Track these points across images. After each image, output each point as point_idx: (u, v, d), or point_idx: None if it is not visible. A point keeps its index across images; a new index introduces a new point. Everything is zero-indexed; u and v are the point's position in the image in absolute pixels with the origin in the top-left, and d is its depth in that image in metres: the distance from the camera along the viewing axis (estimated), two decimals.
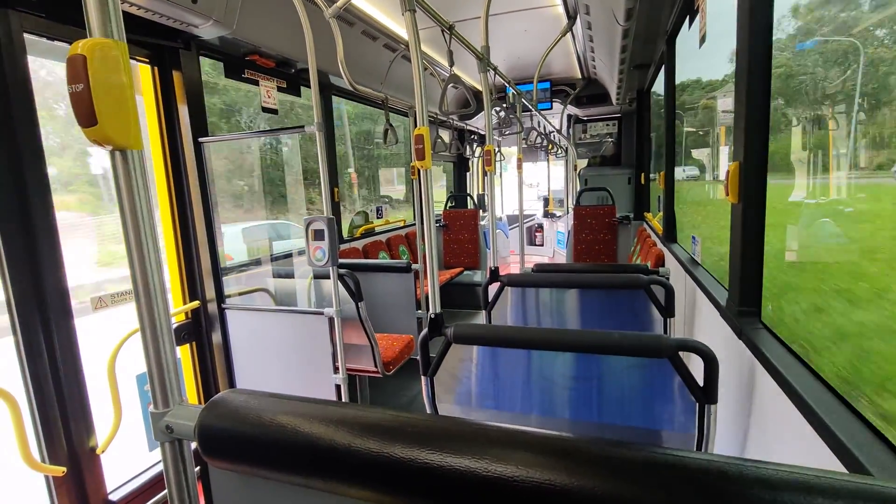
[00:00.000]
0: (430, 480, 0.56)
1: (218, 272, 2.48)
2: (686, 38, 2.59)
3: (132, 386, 2.14)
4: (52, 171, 1.72)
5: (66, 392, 1.77)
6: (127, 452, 2.13)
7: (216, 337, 2.53)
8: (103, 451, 1.89)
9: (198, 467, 1.59)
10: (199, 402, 0.73)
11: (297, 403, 0.68)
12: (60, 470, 1.73)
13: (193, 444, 0.72)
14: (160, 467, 0.77)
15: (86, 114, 0.62)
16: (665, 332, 1.89)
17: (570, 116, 6.44)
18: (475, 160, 7.55)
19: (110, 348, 1.93)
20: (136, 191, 0.67)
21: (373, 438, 0.60)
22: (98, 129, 0.62)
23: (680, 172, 3.65)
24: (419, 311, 3.13)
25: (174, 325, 2.44)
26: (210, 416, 0.70)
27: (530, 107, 4.12)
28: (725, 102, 2.72)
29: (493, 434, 0.59)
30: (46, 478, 1.76)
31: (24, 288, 1.67)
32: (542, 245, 8.65)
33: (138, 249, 0.68)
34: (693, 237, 2.49)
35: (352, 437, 0.61)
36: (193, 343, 2.53)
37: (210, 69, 2.71)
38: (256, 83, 2.85)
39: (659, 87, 3.87)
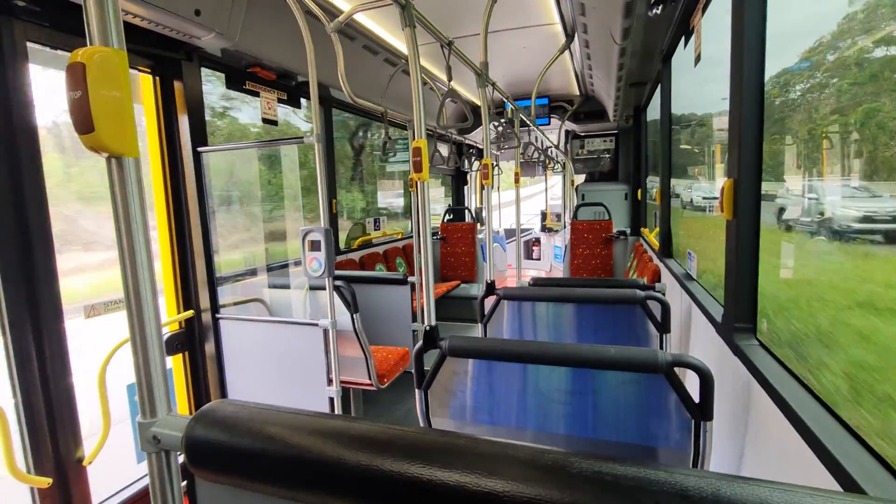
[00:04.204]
0: (420, 494, 0.55)
1: (213, 282, 2.47)
2: (682, 57, 2.63)
3: (123, 395, 2.11)
4: None
5: (55, 401, 1.74)
6: (115, 464, 2.09)
7: (209, 347, 2.51)
8: (90, 463, 1.85)
9: (184, 482, 1.56)
10: (190, 414, 0.72)
11: (286, 415, 0.67)
12: (46, 481, 1.70)
13: (181, 458, 0.71)
14: (147, 480, 0.76)
15: (83, 121, 0.62)
16: (661, 347, 1.89)
17: (567, 132, 6.50)
18: (473, 174, 7.59)
19: (101, 357, 1.91)
20: (131, 198, 0.67)
21: (362, 451, 0.59)
22: (95, 136, 0.63)
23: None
24: (415, 324, 3.11)
25: (167, 335, 2.42)
26: (198, 427, 0.69)
27: (528, 122, 4.16)
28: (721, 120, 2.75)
29: (483, 448, 0.58)
30: (31, 489, 1.72)
31: (17, 292, 1.65)
32: (539, 259, 8.66)
33: (131, 257, 0.68)
34: (689, 252, 2.50)
35: (341, 450, 0.60)
36: (186, 353, 2.51)
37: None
38: (257, 95, 2.88)
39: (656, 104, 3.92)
